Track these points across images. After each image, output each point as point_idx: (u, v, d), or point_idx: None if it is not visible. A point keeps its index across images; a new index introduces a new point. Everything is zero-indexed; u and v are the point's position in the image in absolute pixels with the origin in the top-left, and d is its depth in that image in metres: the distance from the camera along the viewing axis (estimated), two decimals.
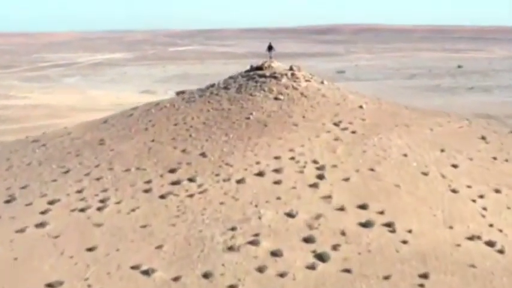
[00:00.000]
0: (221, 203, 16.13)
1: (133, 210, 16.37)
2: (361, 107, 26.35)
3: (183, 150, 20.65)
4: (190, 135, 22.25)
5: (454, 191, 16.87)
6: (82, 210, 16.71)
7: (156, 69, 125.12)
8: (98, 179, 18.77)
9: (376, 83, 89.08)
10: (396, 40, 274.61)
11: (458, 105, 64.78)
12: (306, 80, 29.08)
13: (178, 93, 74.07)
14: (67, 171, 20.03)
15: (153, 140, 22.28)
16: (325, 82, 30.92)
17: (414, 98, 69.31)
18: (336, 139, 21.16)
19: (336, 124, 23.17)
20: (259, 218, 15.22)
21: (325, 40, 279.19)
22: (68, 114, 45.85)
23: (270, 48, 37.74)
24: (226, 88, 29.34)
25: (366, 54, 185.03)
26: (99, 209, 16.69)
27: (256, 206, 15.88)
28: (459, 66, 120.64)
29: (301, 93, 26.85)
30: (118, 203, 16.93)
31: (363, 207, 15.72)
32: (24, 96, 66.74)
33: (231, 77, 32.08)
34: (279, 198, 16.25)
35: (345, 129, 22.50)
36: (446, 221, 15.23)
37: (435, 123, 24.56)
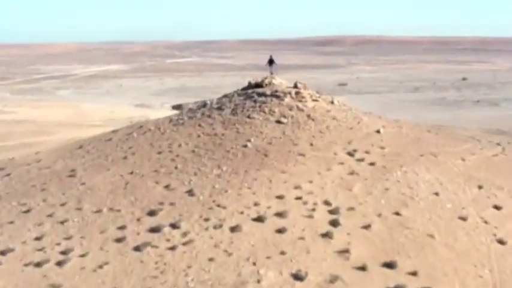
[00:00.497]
0: (210, 259, 12.89)
1: (100, 266, 13.13)
2: (378, 131, 22.95)
3: (167, 186, 17.46)
4: (176, 167, 19.09)
5: (501, 241, 13.67)
6: (38, 264, 13.49)
7: (153, 81, 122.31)
8: (62, 222, 15.54)
9: (379, 96, 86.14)
10: (398, 52, 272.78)
11: (466, 119, 61.79)
12: (313, 100, 25.71)
13: (174, 107, 70.98)
14: (28, 211, 16.79)
15: (131, 172, 19.10)
16: (336, 101, 27.31)
17: (420, 112, 66.38)
18: (352, 173, 17.92)
19: (350, 154, 19.92)
20: (258, 281, 11.98)
21: (326, 52, 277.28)
22: (55, 130, 42.69)
23: (270, 62, 33.42)
24: (220, 109, 25.84)
25: (367, 66, 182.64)
26: (58, 263, 13.47)
27: (254, 263, 12.63)
28: (464, 79, 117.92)
29: (308, 116, 23.63)
30: (83, 255, 13.70)
31: (389, 265, 12.49)
32: (11, 110, 63.67)
33: (225, 96, 28.44)
34: (283, 252, 13.01)
35: (361, 160, 19.25)
36: (496, 284, 12.01)
37: (466, 151, 21.29)
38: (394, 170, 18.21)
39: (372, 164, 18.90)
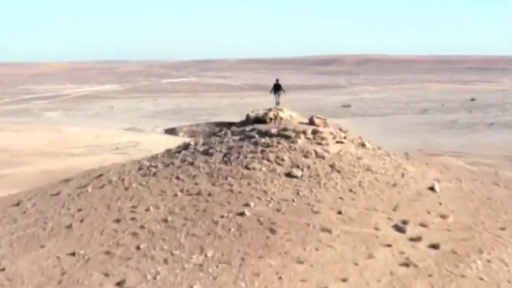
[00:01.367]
0: None
1: None
2: (432, 188, 17.22)
3: (119, 284, 12.37)
4: (138, 247, 13.68)
5: None
6: None
7: (146, 102, 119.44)
8: None
9: (386, 118, 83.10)
10: (400, 71, 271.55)
11: (483, 144, 58.54)
12: (337, 142, 19.96)
13: (167, 131, 67.60)
14: None
15: (73, 253, 13.94)
16: (367, 144, 21.25)
17: (431, 137, 63.24)
18: (406, 264, 12.58)
19: (399, 228, 14.31)
20: None
21: (326, 71, 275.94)
22: (28, 160, 39.13)
23: (276, 87, 26.63)
24: (207, 153, 20.02)
25: (370, 86, 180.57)
26: None
27: None
28: (472, 99, 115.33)
29: (332, 166, 18.08)
30: None
31: None
32: None
33: (215, 134, 22.75)
34: None
35: (418, 239, 13.81)
36: None
37: None
38: (471, 257, 12.77)
39: (434, 246, 13.43)
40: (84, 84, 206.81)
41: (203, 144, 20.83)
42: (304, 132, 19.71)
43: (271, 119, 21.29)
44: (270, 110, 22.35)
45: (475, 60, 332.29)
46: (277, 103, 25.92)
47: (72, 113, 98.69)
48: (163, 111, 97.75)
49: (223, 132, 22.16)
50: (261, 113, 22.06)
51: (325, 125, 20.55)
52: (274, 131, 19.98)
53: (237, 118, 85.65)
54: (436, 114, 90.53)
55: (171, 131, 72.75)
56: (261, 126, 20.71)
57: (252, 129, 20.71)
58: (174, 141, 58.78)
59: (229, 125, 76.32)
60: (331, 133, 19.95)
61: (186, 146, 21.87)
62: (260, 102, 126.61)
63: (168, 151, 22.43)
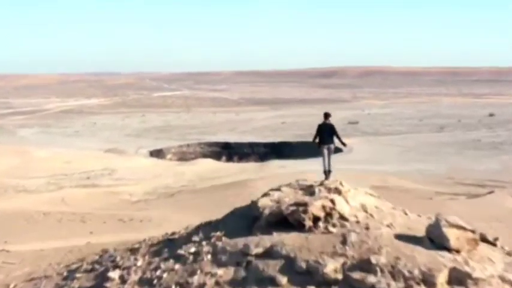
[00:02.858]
0: None
1: None
2: None
3: None
4: None
5: None
6: None
7: (133, 118, 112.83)
8: None
9: (400, 138, 76.53)
10: (406, 84, 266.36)
11: None
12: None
13: (152, 153, 60.82)
14: None
15: None
16: None
17: (457, 160, 56.68)
18: None
19: None
20: None
21: (327, 84, 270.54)
22: None
23: (326, 131, 14.84)
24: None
25: (375, 100, 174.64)
26: None
27: None
28: (491, 115, 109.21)
29: None
30: None
31: None
32: None
33: (174, 242, 11.84)
34: None
35: None
36: None
37: None
38: None
39: None
40: (69, 98, 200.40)
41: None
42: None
43: (315, 220, 10.25)
44: (309, 189, 11.84)
45: (484, 72, 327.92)
46: (328, 171, 14.80)
47: (50, 130, 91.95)
48: (150, 129, 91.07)
49: (194, 242, 11.07)
50: (286, 203, 10.90)
51: (475, 245, 9.30)
52: (337, 275, 8.96)
53: (233, 137, 79.00)
54: (455, 131, 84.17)
55: (157, 153, 66.11)
56: (292, 243, 9.74)
57: (267, 254, 9.71)
58: (157, 168, 52.20)
59: (225, 146, 67.93)
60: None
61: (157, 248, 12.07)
62: (257, 118, 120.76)
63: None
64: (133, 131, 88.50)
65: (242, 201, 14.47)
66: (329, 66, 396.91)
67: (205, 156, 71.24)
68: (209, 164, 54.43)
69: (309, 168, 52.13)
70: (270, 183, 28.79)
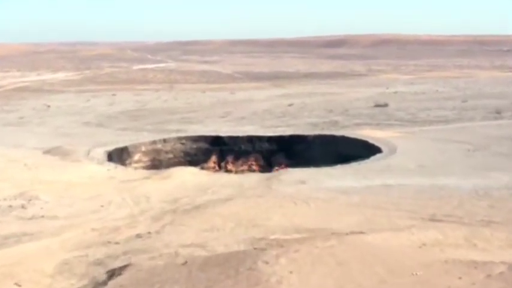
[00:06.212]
0: None
1: None
2: None
3: None
4: None
5: None
6: None
7: (101, 98, 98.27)
8: None
9: (452, 129, 62.00)
10: (427, 54, 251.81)
11: None
12: None
13: (111, 156, 46.47)
14: None
15: None
16: None
17: None
18: None
19: None
20: None
21: (336, 55, 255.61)
22: None
23: None
24: None
25: (397, 74, 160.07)
26: None
27: None
28: None
29: None
30: None
31: None
32: None
33: None
34: None
35: None
36: None
37: None
38: None
39: None
40: (32, 72, 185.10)
41: None
42: None
43: None
44: None
45: None
46: None
47: None
48: (118, 114, 76.48)
49: None
50: None
51: None
52: None
53: (226, 127, 64.39)
54: None
55: (119, 154, 51.53)
56: None
57: None
58: (108, 187, 37.40)
59: (215, 142, 52.97)
60: None
61: None
62: (256, 98, 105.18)
63: None
64: (96, 117, 73.91)
65: None
66: (337, 34, 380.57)
67: (188, 155, 56.82)
68: (189, 176, 39.94)
69: (342, 186, 37.46)
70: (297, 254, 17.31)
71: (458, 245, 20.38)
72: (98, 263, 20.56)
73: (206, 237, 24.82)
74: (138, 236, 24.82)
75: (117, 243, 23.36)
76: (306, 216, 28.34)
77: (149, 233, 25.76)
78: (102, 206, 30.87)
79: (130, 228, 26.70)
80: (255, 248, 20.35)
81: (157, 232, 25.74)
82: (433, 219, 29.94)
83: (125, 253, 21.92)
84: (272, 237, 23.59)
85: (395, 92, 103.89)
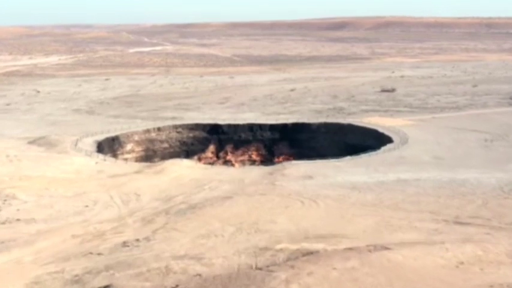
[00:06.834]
0: None
1: None
2: None
3: None
4: None
5: None
6: None
7: (93, 83, 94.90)
8: None
9: (466, 116, 59.12)
10: (432, 37, 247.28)
11: None
12: None
13: (101, 146, 43.52)
14: None
15: None
16: None
17: None
18: None
19: None
20: None
21: (338, 38, 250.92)
22: None
23: None
24: None
25: (402, 57, 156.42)
26: None
27: None
28: None
29: None
30: None
31: None
32: None
33: None
34: None
35: None
36: None
37: None
38: None
39: None
40: (25, 56, 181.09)
41: None
42: None
43: None
44: None
45: None
46: None
47: None
48: (111, 101, 73.35)
49: None
50: None
51: None
52: None
53: (225, 114, 61.16)
54: None
55: (110, 144, 48.56)
56: None
57: None
58: (96, 182, 34.28)
59: (213, 130, 49.60)
60: None
61: None
62: (256, 82, 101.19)
63: None
64: (87, 103, 70.78)
65: None
66: (338, 17, 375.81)
67: (184, 145, 54.00)
68: (185, 170, 37.06)
69: (353, 181, 34.21)
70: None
71: (500, 262, 17.34)
72: (75, 280, 17.63)
73: (202, 246, 22.13)
74: (125, 244, 21.94)
75: (99, 254, 20.46)
76: (315, 219, 26.16)
77: (137, 240, 22.85)
78: (86, 206, 28.00)
79: (117, 234, 23.81)
80: (259, 269, 17.25)
81: (147, 239, 22.88)
82: (458, 221, 26.61)
83: (107, 268, 18.98)
84: (278, 247, 21.01)
85: (402, 76, 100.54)
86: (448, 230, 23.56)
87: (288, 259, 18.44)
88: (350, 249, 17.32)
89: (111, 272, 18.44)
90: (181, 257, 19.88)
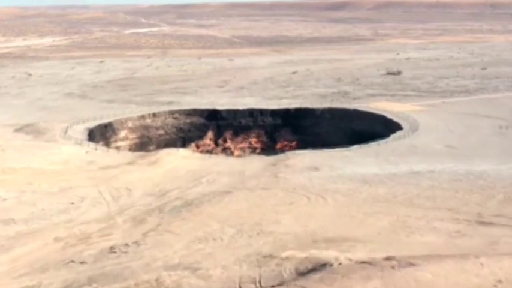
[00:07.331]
0: None
1: None
2: None
3: None
4: None
5: None
6: None
7: (87, 66, 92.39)
8: None
9: (478, 101, 56.78)
10: (435, 18, 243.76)
11: None
12: None
13: (92, 134, 41.13)
14: None
15: None
16: None
17: None
18: None
19: None
20: None
21: (339, 18, 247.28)
22: None
23: None
24: None
25: (405, 38, 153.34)
26: None
27: None
28: None
29: None
30: None
31: None
32: None
33: None
34: None
35: None
36: None
37: None
38: None
39: None
40: (18, 37, 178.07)
41: None
42: None
43: None
44: None
45: None
46: None
47: None
48: (105, 84, 70.91)
49: None
50: None
51: None
52: None
53: (224, 98, 58.69)
54: None
55: (102, 131, 46.17)
56: None
57: None
58: (84, 175, 31.70)
59: (212, 116, 47.24)
60: None
61: None
62: (256, 65, 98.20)
63: None
64: (80, 87, 68.34)
65: None
66: None
67: (181, 131, 51.72)
68: (181, 161, 34.77)
69: (363, 173, 31.65)
70: None
71: None
72: None
73: (199, 252, 19.41)
74: (112, 249, 19.64)
75: (82, 262, 18.18)
76: (323, 219, 23.66)
77: (126, 245, 20.44)
78: (72, 203, 25.67)
79: (103, 237, 21.44)
80: None
81: (137, 244, 20.51)
82: (481, 221, 24.06)
83: (90, 280, 16.66)
84: (284, 254, 18.34)
85: (408, 59, 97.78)
86: (472, 232, 21.38)
87: (297, 271, 16.25)
88: (369, 263, 14.99)
89: (94, 286, 16.30)
90: (175, 267, 17.69)
